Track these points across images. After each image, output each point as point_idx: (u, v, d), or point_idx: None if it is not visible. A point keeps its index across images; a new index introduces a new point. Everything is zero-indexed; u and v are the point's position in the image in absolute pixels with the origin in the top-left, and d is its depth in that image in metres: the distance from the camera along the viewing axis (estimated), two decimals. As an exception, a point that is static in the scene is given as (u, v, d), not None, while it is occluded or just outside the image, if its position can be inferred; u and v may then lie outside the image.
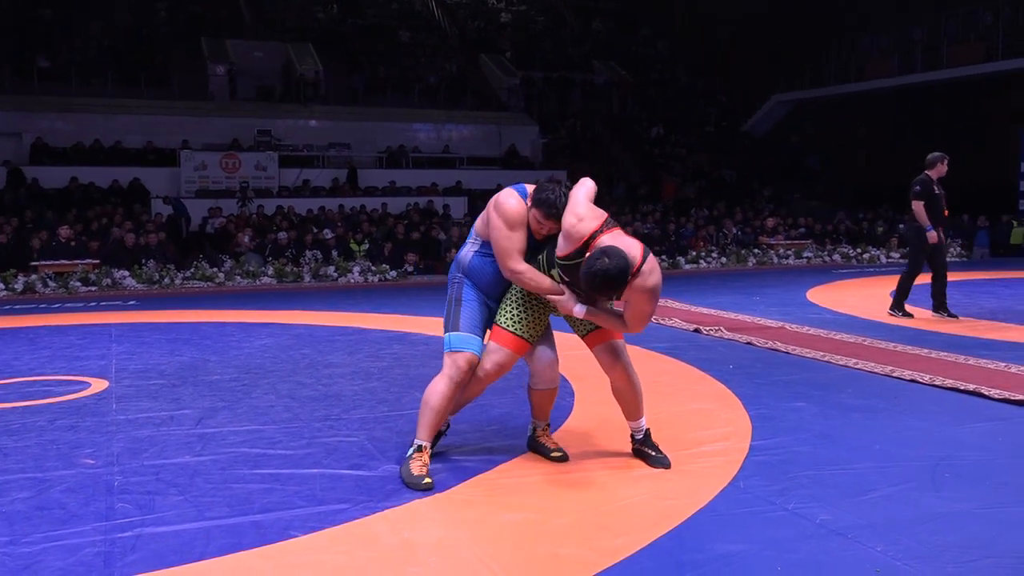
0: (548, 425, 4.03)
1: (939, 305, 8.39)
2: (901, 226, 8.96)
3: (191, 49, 22.04)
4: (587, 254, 3.38)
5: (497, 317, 3.77)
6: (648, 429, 3.89)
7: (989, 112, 20.91)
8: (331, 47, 23.50)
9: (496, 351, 3.72)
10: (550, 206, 3.54)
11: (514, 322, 3.72)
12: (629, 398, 3.81)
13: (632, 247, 3.41)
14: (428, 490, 3.48)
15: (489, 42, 26.45)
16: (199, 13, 23.38)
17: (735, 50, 26.44)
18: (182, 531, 3.07)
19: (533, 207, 3.60)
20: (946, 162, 8.26)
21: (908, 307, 8.50)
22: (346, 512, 3.26)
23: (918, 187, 8.18)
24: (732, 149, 24.58)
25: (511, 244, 3.60)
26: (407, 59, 24.31)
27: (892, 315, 8.43)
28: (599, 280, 3.28)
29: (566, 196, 3.57)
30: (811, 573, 2.71)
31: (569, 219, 3.49)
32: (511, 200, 3.66)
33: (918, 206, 8.17)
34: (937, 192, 8.21)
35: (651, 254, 3.48)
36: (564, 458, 3.87)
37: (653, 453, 3.83)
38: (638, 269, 3.38)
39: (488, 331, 3.82)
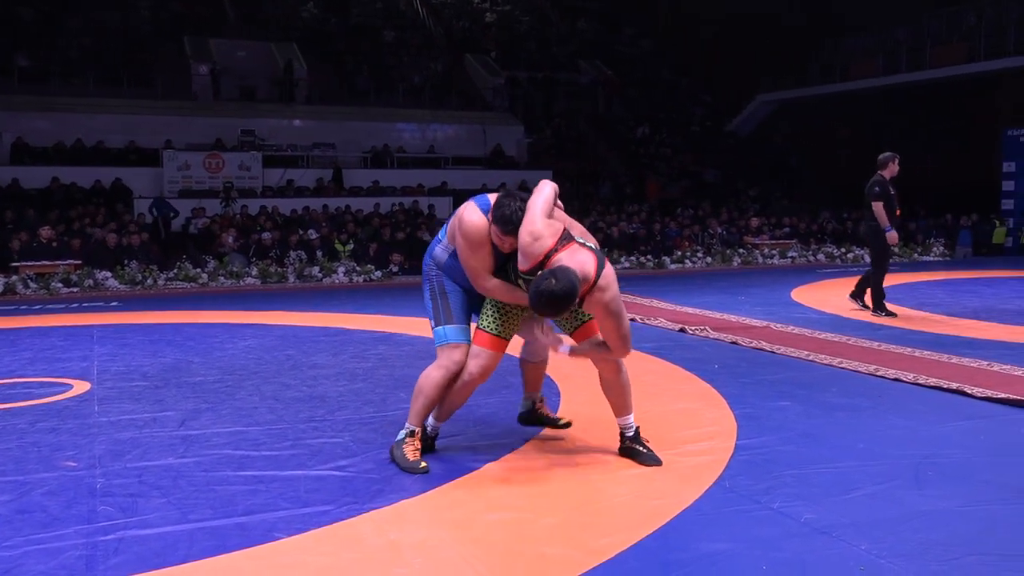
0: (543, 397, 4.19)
1: (858, 294, 8.81)
2: (861, 226, 9.25)
3: (174, 48, 21.91)
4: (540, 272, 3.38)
5: (479, 320, 3.80)
6: (638, 427, 3.89)
7: (972, 112, 21.09)
8: (316, 46, 23.43)
9: (479, 354, 3.75)
10: (506, 222, 3.51)
11: (494, 323, 3.75)
12: (617, 391, 3.83)
13: (586, 263, 3.41)
14: (425, 473, 3.60)
15: (474, 42, 26.44)
16: (182, 12, 23.24)
17: (719, 50, 26.55)
18: (165, 534, 3.05)
19: (492, 223, 3.57)
20: (897, 161, 8.46)
21: (890, 306, 8.59)
22: (331, 513, 3.24)
23: (877, 188, 8.35)
24: (717, 149, 24.68)
25: (477, 263, 3.64)
26: (392, 59, 24.26)
27: (875, 314, 8.49)
28: (544, 301, 3.26)
29: (523, 210, 3.52)
30: (796, 572, 2.72)
31: (524, 238, 3.47)
32: (473, 217, 3.64)
33: (878, 206, 8.34)
34: (891, 192, 8.40)
35: (607, 266, 3.48)
36: (568, 424, 4.19)
37: (643, 450, 3.84)
38: (594, 283, 3.39)
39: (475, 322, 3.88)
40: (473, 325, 3.86)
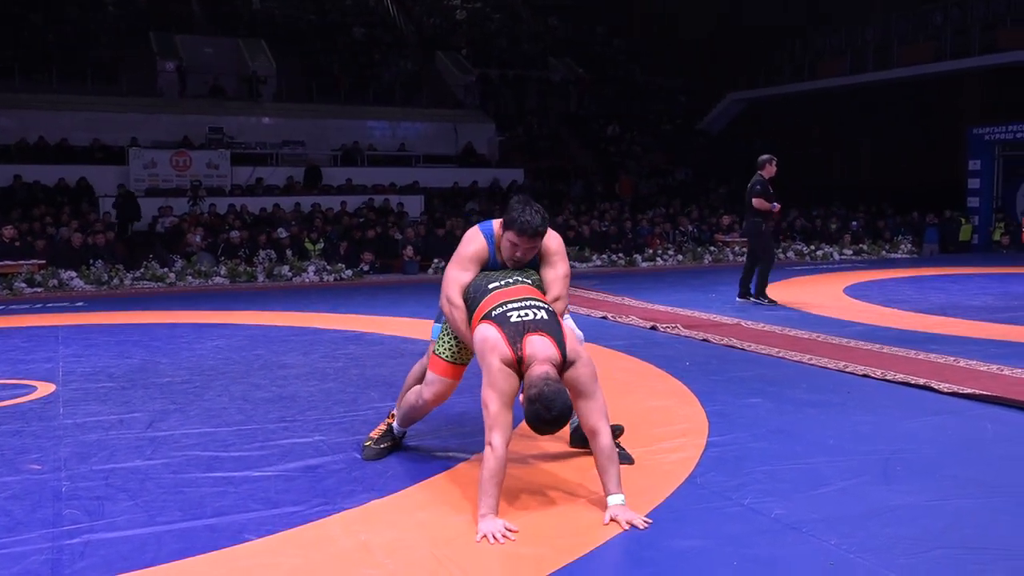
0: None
1: (746, 292, 9.39)
2: (743, 223, 10.05)
3: (140, 45, 21.61)
4: (527, 389, 3.17)
5: (436, 346, 3.70)
6: (611, 426, 3.90)
7: (938, 111, 21.38)
8: (284, 43, 23.23)
9: (433, 382, 3.68)
10: (525, 225, 3.52)
11: (448, 350, 3.65)
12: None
13: (549, 352, 3.21)
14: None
15: (445, 39, 26.35)
16: (147, 8, 22.94)
17: (691, 48, 26.70)
18: (132, 537, 3.00)
19: (506, 230, 3.59)
20: (775, 163, 9.23)
21: (770, 293, 9.33)
22: (301, 514, 3.22)
23: (758, 186, 9.14)
24: (688, 147, 24.80)
25: (454, 275, 3.66)
26: (362, 56, 24.12)
27: (757, 303, 9.18)
28: (546, 428, 3.13)
29: (538, 212, 3.54)
30: (767, 567, 2.73)
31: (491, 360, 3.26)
32: (474, 240, 3.72)
33: (760, 202, 9.10)
34: (770, 191, 9.17)
35: (563, 336, 3.28)
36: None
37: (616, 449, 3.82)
38: (563, 362, 3.24)
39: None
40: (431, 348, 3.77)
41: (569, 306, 4.13)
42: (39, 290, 11.39)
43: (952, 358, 6.05)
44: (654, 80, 27.66)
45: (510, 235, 3.57)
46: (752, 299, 9.31)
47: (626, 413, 4.62)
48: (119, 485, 3.55)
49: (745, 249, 16.17)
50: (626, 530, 3.03)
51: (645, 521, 3.09)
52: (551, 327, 3.30)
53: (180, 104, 20.35)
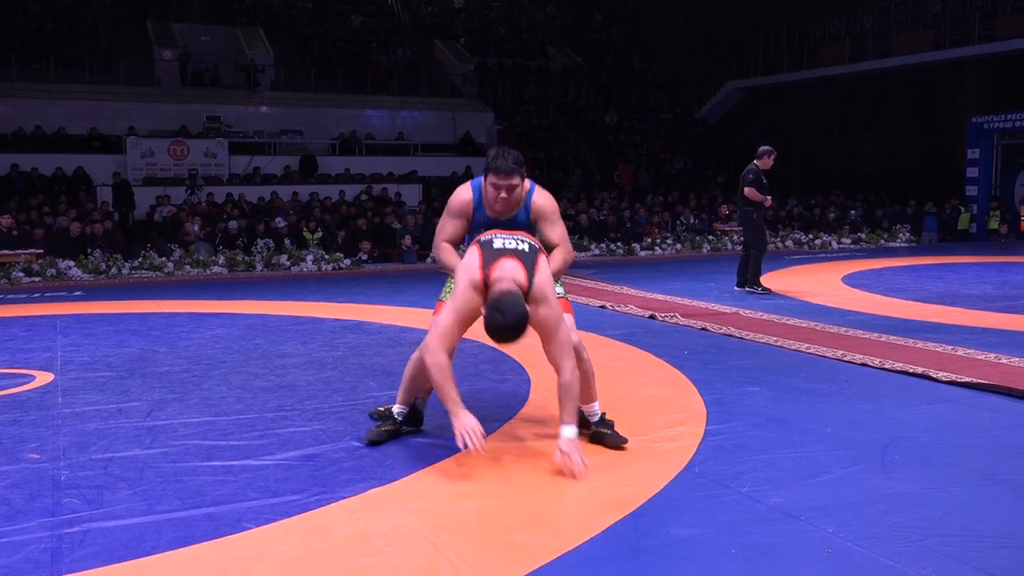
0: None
1: (743, 281, 9.40)
2: (737, 212, 10.13)
3: (137, 33, 21.54)
4: (488, 301, 3.48)
5: (442, 294, 3.98)
6: (604, 413, 3.93)
7: (938, 100, 21.34)
8: (282, 32, 23.15)
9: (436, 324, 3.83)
10: (496, 164, 3.79)
11: (451, 294, 3.79)
12: (582, 382, 3.82)
13: (516, 275, 3.49)
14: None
15: (443, 27, 26.27)
16: (144, -4, 22.88)
17: (689, 37, 26.63)
18: (132, 525, 3.01)
19: (486, 175, 3.85)
20: (773, 157, 9.22)
21: (764, 282, 9.39)
22: (300, 503, 3.22)
23: (751, 175, 9.16)
24: (686, 136, 24.77)
25: (442, 226, 4.03)
26: (360, 45, 24.04)
27: (751, 291, 9.19)
28: (503, 335, 3.40)
29: (510, 154, 3.81)
30: (765, 555, 2.74)
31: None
32: (460, 191, 4.01)
33: (751, 192, 9.12)
34: (764, 182, 9.17)
35: (539, 267, 3.56)
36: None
37: (608, 432, 3.90)
38: (528, 287, 3.50)
39: None
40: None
41: (568, 295, 4.15)
42: (37, 279, 11.38)
43: (950, 347, 6.05)
44: (652, 69, 27.60)
45: (490, 178, 3.83)
46: (747, 289, 9.32)
47: (624, 402, 4.63)
48: (118, 474, 3.55)
49: (743, 238, 16.29)
50: (562, 468, 3.41)
51: (583, 463, 3.40)
52: (527, 257, 3.58)
53: (178, 93, 20.30)
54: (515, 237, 3.67)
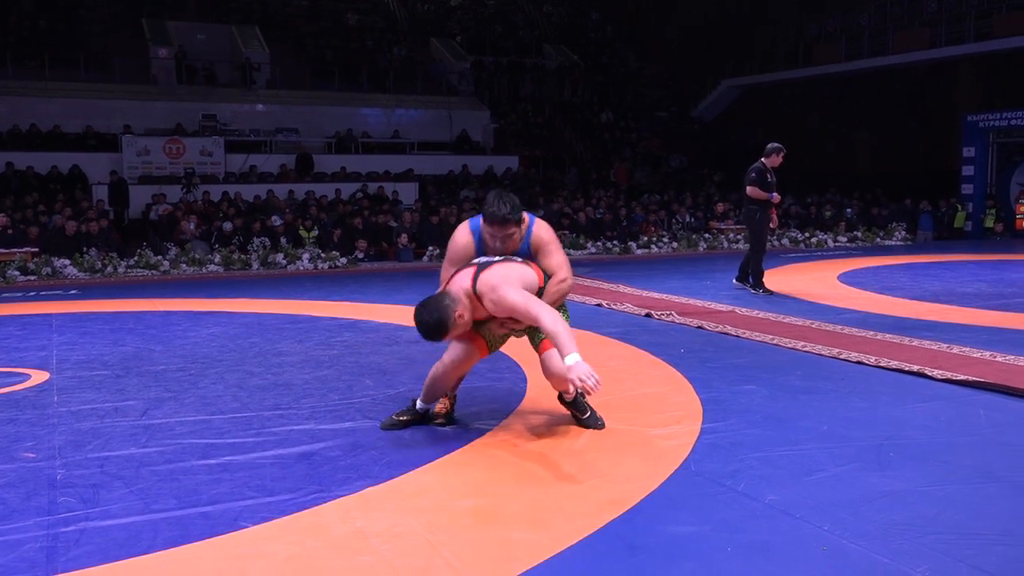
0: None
1: (744, 276, 9.35)
2: (742, 211, 9.92)
3: (132, 31, 21.50)
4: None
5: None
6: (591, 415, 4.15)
7: (933, 98, 21.37)
8: (278, 30, 23.11)
9: (453, 345, 4.02)
10: (492, 214, 3.86)
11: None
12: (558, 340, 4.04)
13: (460, 280, 3.79)
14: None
15: (439, 25, 26.25)
16: (140, -6, 22.83)
17: (686, 35, 26.62)
18: (128, 524, 3.00)
19: (484, 222, 3.92)
20: (782, 155, 9.11)
21: (768, 284, 9.23)
22: (296, 501, 3.22)
23: (754, 174, 9.03)
24: (682, 134, 24.78)
25: (445, 273, 4.06)
26: (355, 42, 24.01)
27: (752, 292, 9.11)
28: (422, 331, 3.71)
29: (507, 202, 3.87)
30: (760, 553, 2.75)
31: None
32: (460, 235, 4.09)
33: (753, 190, 9.00)
34: (769, 180, 9.03)
35: (487, 270, 3.77)
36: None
37: (589, 411, 4.14)
38: (473, 291, 3.74)
39: None
40: None
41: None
42: (32, 278, 11.36)
43: (946, 345, 6.06)
44: (648, 67, 27.61)
45: (486, 227, 3.88)
46: (749, 287, 9.28)
47: (621, 400, 4.63)
48: (114, 473, 3.54)
49: (740, 236, 16.31)
50: (577, 387, 3.42)
51: (597, 381, 3.39)
52: (482, 264, 3.84)
53: (173, 91, 20.26)
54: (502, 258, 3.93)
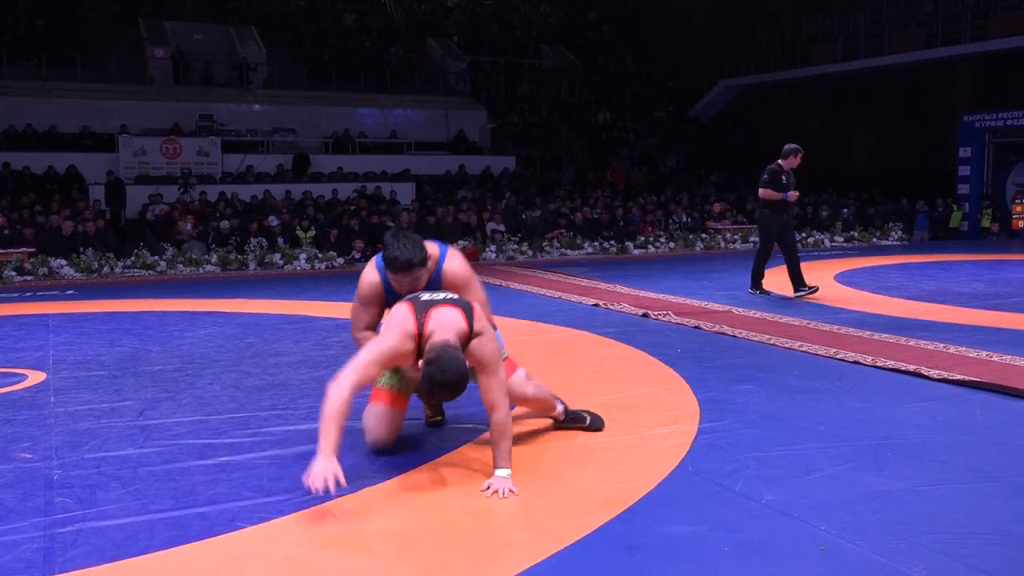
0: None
1: (799, 284, 8.90)
2: (756, 213, 9.60)
3: (129, 31, 21.46)
4: (425, 354, 3.28)
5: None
6: (566, 407, 4.08)
7: (930, 99, 21.39)
8: (275, 30, 23.09)
9: (377, 411, 3.75)
10: (394, 261, 3.53)
11: (386, 377, 3.71)
12: (536, 404, 3.99)
13: (456, 324, 3.34)
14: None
15: (436, 26, 26.23)
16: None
17: (683, 35, 26.63)
18: (125, 525, 3.00)
19: (388, 270, 3.61)
20: (799, 156, 8.89)
21: (765, 286, 9.08)
22: (294, 502, 3.22)
23: (766, 175, 8.80)
24: (679, 134, 24.78)
25: (357, 316, 3.83)
26: (353, 42, 24.00)
27: (751, 293, 9.01)
28: (442, 392, 3.24)
29: (405, 246, 3.52)
30: (758, 553, 2.75)
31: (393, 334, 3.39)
32: (366, 274, 3.78)
33: (766, 192, 8.77)
34: (785, 181, 8.78)
35: (473, 311, 3.41)
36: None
37: (587, 415, 4.07)
38: (470, 334, 3.36)
39: None
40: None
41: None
42: (29, 278, 11.34)
43: (942, 344, 6.07)
44: (646, 67, 27.61)
45: (388, 272, 3.59)
46: (807, 291, 8.82)
47: (618, 400, 4.64)
48: (111, 473, 3.54)
49: (737, 236, 16.33)
50: (497, 495, 3.22)
51: (512, 491, 3.23)
52: (461, 302, 3.46)
53: (170, 91, 20.23)
54: (441, 292, 3.55)
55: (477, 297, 3.73)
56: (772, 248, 9.01)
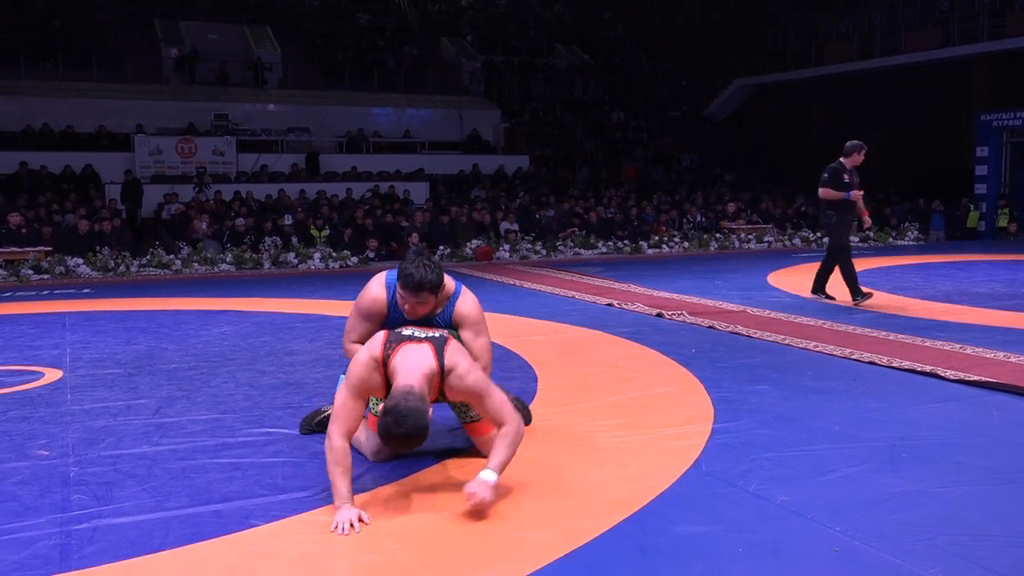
0: None
1: (819, 287, 8.60)
2: (823, 216, 8.98)
3: (144, 31, 21.60)
4: (385, 402, 3.15)
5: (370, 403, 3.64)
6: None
7: (946, 98, 21.25)
8: (289, 29, 23.18)
9: (371, 437, 3.67)
10: (407, 277, 3.43)
11: (375, 403, 3.63)
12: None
13: (423, 360, 3.20)
14: None
15: (450, 25, 26.26)
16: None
17: (696, 34, 26.55)
18: (140, 522, 3.02)
19: (399, 284, 3.50)
20: (863, 152, 8.36)
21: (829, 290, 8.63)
22: (308, 500, 3.23)
23: (826, 174, 8.29)
24: (693, 134, 24.72)
25: (351, 326, 3.73)
26: (367, 42, 24.05)
27: (855, 304, 8.32)
28: (399, 442, 3.07)
29: (426, 267, 3.44)
30: (772, 554, 2.74)
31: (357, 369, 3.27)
32: (371, 287, 3.68)
33: (825, 191, 8.26)
34: (847, 180, 8.23)
35: (448, 347, 3.27)
36: None
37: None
38: (441, 371, 3.22)
39: None
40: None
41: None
42: (46, 277, 11.43)
43: (958, 345, 6.03)
44: (660, 66, 27.55)
45: (399, 289, 3.49)
46: (824, 297, 8.53)
47: (631, 400, 4.63)
48: (127, 471, 3.56)
49: (752, 236, 16.27)
50: (469, 500, 3.03)
51: (486, 502, 3.04)
52: (436, 339, 3.29)
53: (185, 91, 20.34)
54: (429, 331, 3.38)
55: (480, 342, 3.62)
56: (849, 247, 8.44)
